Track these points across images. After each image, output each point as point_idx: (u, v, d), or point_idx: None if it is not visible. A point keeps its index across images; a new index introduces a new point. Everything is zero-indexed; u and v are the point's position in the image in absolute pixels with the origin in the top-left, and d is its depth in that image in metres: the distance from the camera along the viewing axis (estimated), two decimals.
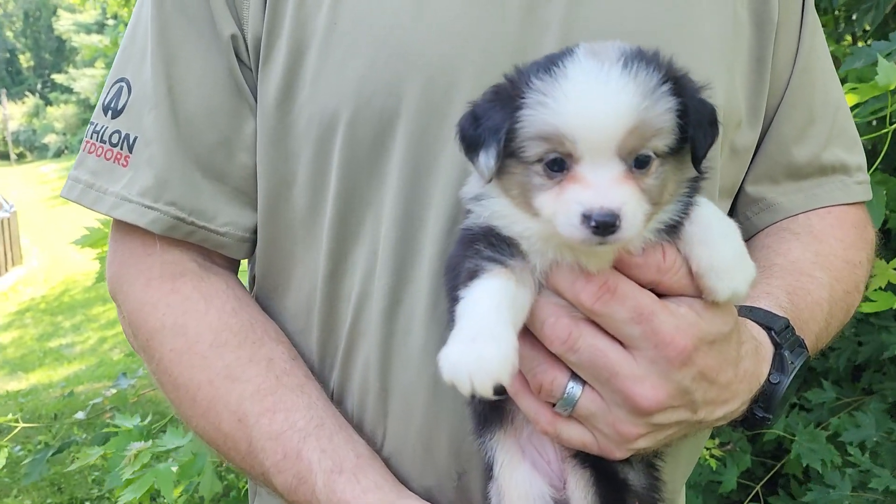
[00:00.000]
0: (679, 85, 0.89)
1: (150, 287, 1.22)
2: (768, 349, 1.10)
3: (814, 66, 1.35)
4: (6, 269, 16.21)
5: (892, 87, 1.93)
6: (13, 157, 45.48)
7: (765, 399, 1.08)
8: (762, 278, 1.25)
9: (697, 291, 0.96)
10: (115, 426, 2.96)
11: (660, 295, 0.97)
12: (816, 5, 2.67)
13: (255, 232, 1.26)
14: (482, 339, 0.85)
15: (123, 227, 1.25)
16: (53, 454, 3.26)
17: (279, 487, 1.13)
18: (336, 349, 1.20)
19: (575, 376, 0.97)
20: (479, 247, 0.93)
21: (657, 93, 0.85)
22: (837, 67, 2.04)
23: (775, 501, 2.87)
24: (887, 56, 2.10)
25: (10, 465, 5.94)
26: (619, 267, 0.95)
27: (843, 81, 1.88)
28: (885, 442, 2.68)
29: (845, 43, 3.42)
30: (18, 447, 4.31)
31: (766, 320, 1.12)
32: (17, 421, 3.40)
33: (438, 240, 1.09)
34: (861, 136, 1.47)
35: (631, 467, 1.05)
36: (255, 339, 1.19)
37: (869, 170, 1.63)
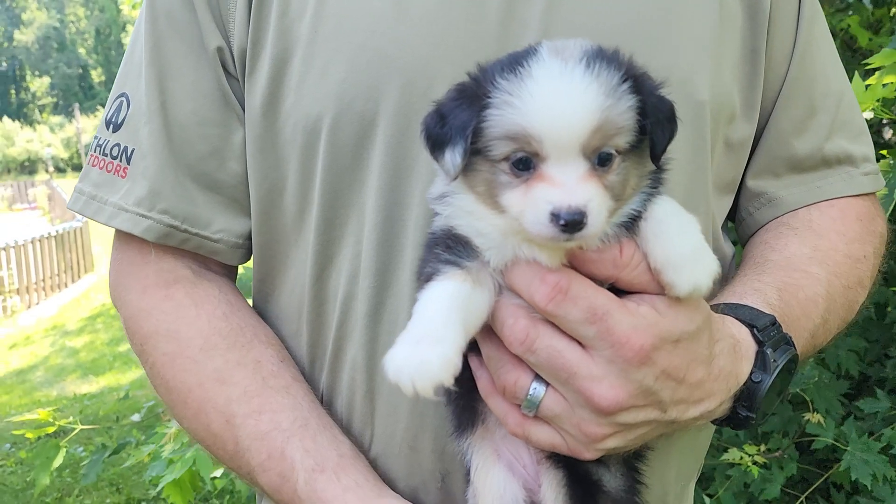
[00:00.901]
0: (638, 83, 0.89)
1: (145, 294, 1.26)
2: (749, 347, 1.06)
3: (813, 56, 1.31)
4: (79, 276, 16.91)
5: None
6: None
7: (747, 398, 1.05)
8: (754, 274, 1.21)
9: (661, 288, 0.94)
10: (169, 427, 3.08)
11: (626, 292, 0.96)
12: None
13: (250, 238, 1.29)
14: (426, 341, 0.86)
15: (123, 237, 1.29)
16: (110, 455, 3.39)
17: (264, 486, 1.15)
18: (325, 351, 1.22)
19: (539, 377, 0.97)
20: (438, 251, 0.94)
21: (618, 91, 0.86)
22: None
23: None
24: None
25: (72, 465, 6.21)
26: (576, 264, 0.94)
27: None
28: None
29: None
30: (81, 448, 4.48)
31: (749, 318, 1.09)
32: (77, 423, 3.55)
33: (419, 242, 1.09)
34: None
35: (606, 469, 1.04)
36: (244, 342, 1.22)
37: None
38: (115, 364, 10.60)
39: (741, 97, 1.24)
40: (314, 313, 1.21)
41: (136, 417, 3.76)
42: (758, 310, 1.11)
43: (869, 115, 2.23)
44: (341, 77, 1.10)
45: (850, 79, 2.11)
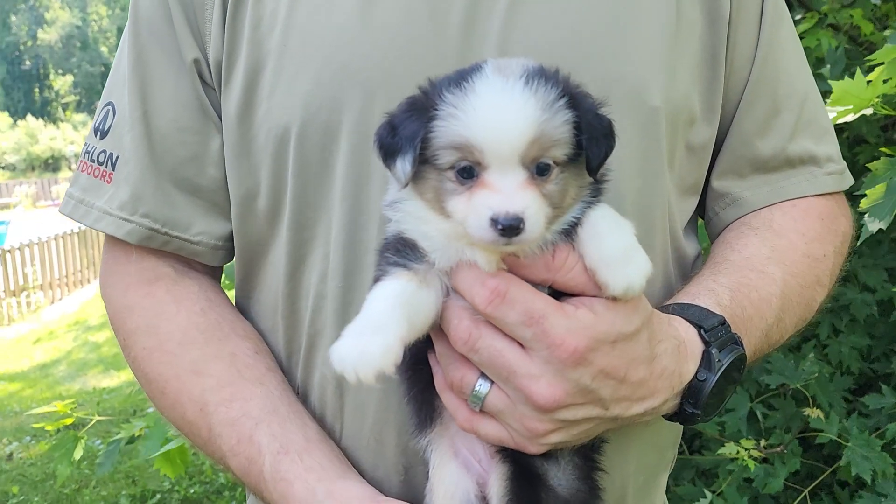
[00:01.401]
0: (575, 100, 0.94)
1: (128, 291, 1.33)
2: (696, 347, 1.10)
3: (777, 58, 1.33)
4: None
5: None
6: None
7: (693, 396, 1.09)
8: (710, 275, 1.25)
9: (598, 290, 0.98)
10: None
11: (567, 295, 1.00)
12: None
13: (230, 240, 1.35)
14: (368, 332, 0.92)
15: (109, 238, 1.36)
16: (126, 444, 3.47)
17: (235, 470, 1.21)
18: (299, 347, 1.28)
19: (485, 375, 1.01)
20: (388, 255, 1.00)
21: (555, 107, 0.92)
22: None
23: None
24: None
25: (89, 458, 6.33)
26: (512, 268, 0.98)
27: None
28: None
29: None
30: (99, 441, 4.59)
31: (698, 318, 1.13)
32: (94, 414, 3.65)
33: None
34: None
35: (556, 462, 1.08)
36: (221, 336, 1.28)
37: None
38: None
39: (701, 101, 1.27)
40: (288, 311, 1.27)
41: (151, 409, 3.85)
42: (708, 310, 1.14)
43: (869, 111, 2.23)
44: (307, 88, 1.16)
45: (852, 75, 2.12)
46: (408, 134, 0.93)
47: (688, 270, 1.33)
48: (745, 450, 2.52)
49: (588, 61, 1.14)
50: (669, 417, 1.13)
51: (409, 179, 0.95)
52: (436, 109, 0.93)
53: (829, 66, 2.71)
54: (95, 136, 1.34)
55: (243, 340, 1.29)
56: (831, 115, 1.79)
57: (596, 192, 1.01)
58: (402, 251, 0.99)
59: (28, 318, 14.08)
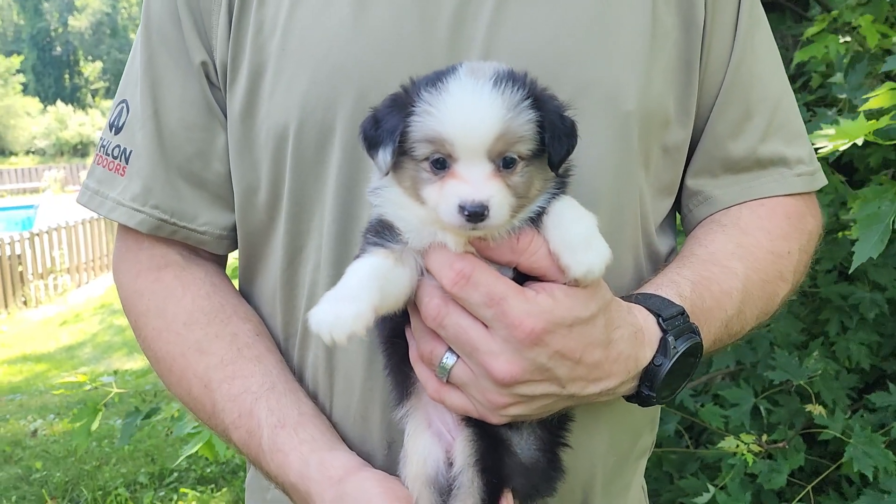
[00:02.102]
0: (539, 101, 1.02)
1: (139, 277, 1.42)
2: (653, 334, 1.16)
3: (751, 63, 1.38)
4: None
5: None
6: None
7: (649, 379, 1.16)
8: (676, 268, 1.31)
9: (561, 274, 1.06)
10: None
11: (531, 278, 1.08)
12: None
13: (234, 230, 1.43)
14: (344, 300, 1.01)
15: (122, 228, 1.45)
16: (143, 419, 3.58)
17: (236, 442, 1.30)
18: (295, 331, 1.36)
19: (452, 349, 1.10)
20: (369, 236, 1.09)
21: (520, 107, 1.00)
22: None
23: (825, 501, 2.81)
24: None
25: (110, 436, 6.49)
26: (480, 250, 1.07)
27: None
28: None
29: None
30: (119, 420, 4.71)
31: (658, 308, 1.19)
32: (112, 385, 3.76)
33: None
34: None
35: (518, 431, 1.16)
36: (223, 318, 1.36)
37: None
38: None
39: (676, 104, 1.32)
40: (286, 297, 1.35)
41: None
42: (668, 300, 1.20)
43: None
44: (304, 89, 1.23)
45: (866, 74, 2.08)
46: (389, 128, 1.02)
47: (660, 265, 1.39)
48: (745, 444, 2.55)
49: (566, 65, 1.20)
50: (628, 398, 1.20)
51: (389, 168, 1.04)
52: (414, 106, 1.01)
53: (839, 74, 2.72)
54: (110, 131, 1.43)
55: (244, 323, 1.37)
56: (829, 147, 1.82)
57: (561, 185, 1.09)
58: (381, 233, 1.08)
59: (55, 301, 14.38)
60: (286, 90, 1.25)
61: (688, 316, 1.20)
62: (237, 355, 1.32)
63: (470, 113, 0.98)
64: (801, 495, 2.74)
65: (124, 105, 1.42)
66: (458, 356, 1.10)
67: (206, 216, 1.40)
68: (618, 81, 1.23)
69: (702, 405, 3.09)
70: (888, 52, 2.86)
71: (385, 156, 1.02)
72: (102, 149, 1.44)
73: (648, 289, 1.25)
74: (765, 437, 2.71)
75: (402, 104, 1.03)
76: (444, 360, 1.10)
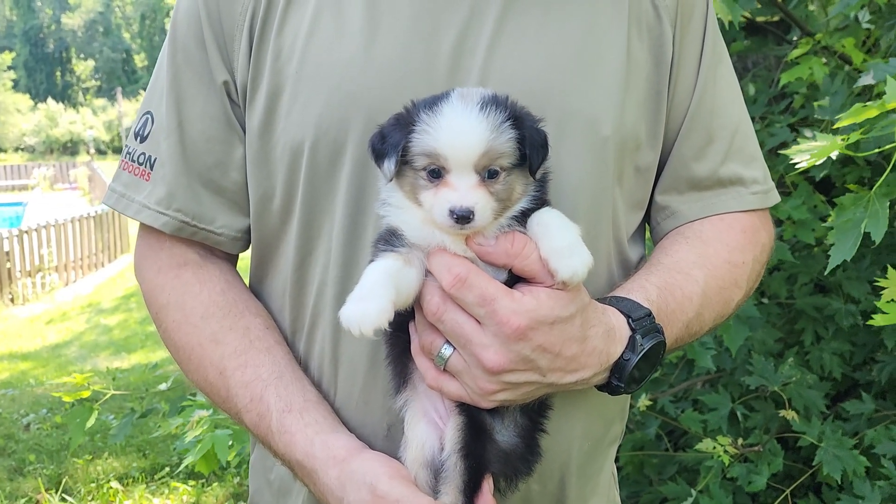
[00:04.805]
0: (518, 120, 1.20)
1: (160, 273, 1.56)
2: (623, 333, 1.31)
3: (713, 94, 1.55)
4: (115, 256, 17.44)
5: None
6: None
7: (619, 371, 1.31)
8: (644, 274, 1.46)
9: (550, 277, 1.21)
10: (191, 398, 3.34)
11: (524, 280, 1.23)
12: None
13: (248, 232, 1.56)
14: (367, 298, 1.17)
15: (145, 227, 1.57)
16: (138, 419, 3.66)
17: (247, 424, 1.44)
18: (303, 325, 1.49)
19: (449, 342, 1.25)
20: (379, 245, 1.25)
21: (502, 127, 1.18)
22: None
23: None
24: None
25: (102, 431, 6.54)
26: (479, 254, 1.22)
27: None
28: None
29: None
30: (112, 416, 4.78)
31: (628, 309, 1.34)
32: (109, 388, 3.83)
33: None
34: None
35: (500, 419, 1.31)
36: (237, 312, 1.50)
37: (878, 183, 1.79)
38: (147, 343, 10.97)
39: (646, 130, 1.49)
40: (295, 295, 1.49)
41: (163, 387, 4.04)
42: (637, 303, 1.36)
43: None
44: (319, 111, 1.37)
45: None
46: (393, 142, 1.20)
47: (630, 271, 1.55)
48: (721, 446, 2.66)
49: (552, 96, 1.37)
50: (600, 388, 1.35)
51: (393, 176, 1.22)
52: (414, 125, 1.19)
53: (827, 97, 2.85)
54: (136, 139, 1.56)
55: (255, 317, 1.51)
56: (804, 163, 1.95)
57: (540, 188, 1.26)
58: (389, 240, 1.24)
59: (42, 299, 14.35)
60: (302, 111, 1.39)
61: (654, 317, 1.35)
62: (249, 346, 1.45)
63: (459, 133, 1.16)
64: (780, 498, 2.86)
65: (149, 116, 1.55)
66: (455, 348, 1.24)
67: (224, 220, 1.53)
68: (596, 110, 1.39)
69: (682, 411, 3.21)
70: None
71: (389, 165, 1.20)
72: (128, 155, 1.56)
73: (620, 292, 1.40)
74: (740, 441, 2.83)
75: (404, 122, 1.20)
76: (442, 351, 1.25)
